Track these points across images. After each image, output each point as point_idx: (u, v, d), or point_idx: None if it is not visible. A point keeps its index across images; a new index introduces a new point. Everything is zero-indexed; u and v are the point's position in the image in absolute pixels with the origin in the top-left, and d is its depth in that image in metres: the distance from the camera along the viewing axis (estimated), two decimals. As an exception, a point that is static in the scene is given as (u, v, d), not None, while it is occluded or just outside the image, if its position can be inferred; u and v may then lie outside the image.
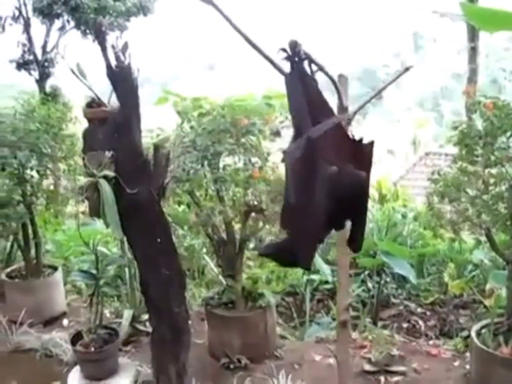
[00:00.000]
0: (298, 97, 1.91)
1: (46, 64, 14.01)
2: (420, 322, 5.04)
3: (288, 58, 1.88)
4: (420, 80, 37.88)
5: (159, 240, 2.95)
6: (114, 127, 2.86)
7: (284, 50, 1.87)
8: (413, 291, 5.56)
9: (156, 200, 2.95)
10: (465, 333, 4.40)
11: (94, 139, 2.93)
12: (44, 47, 14.02)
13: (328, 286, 5.36)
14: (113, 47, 2.76)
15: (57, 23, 13.75)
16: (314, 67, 1.95)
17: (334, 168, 1.74)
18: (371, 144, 1.92)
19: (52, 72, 14.15)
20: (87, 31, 13.70)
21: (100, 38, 2.68)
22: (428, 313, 5.24)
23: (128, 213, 2.89)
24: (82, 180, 2.85)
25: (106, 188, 2.77)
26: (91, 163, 2.87)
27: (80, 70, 2.94)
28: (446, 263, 5.62)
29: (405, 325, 5.03)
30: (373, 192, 9.90)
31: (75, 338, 3.69)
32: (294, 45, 1.84)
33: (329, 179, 1.75)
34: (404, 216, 6.76)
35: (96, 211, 2.84)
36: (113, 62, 2.77)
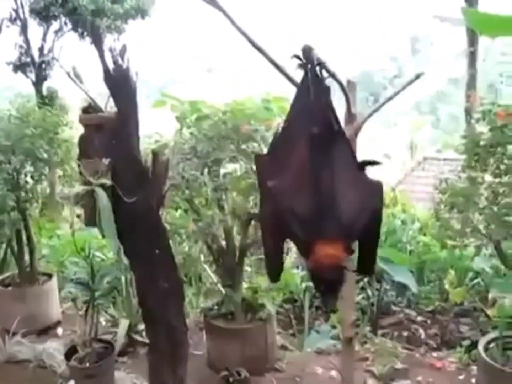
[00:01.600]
0: (301, 106, 1.81)
1: (43, 66, 13.95)
2: (421, 331, 4.98)
3: (301, 65, 1.77)
4: (416, 84, 37.89)
5: (157, 251, 2.85)
6: (111, 133, 2.76)
7: (297, 57, 1.76)
8: (413, 298, 5.49)
9: (155, 209, 2.85)
10: (466, 343, 4.34)
11: (90, 146, 2.84)
12: (41, 49, 13.96)
13: (327, 293, 5.25)
14: (110, 50, 2.66)
15: (55, 25, 13.70)
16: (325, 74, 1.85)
17: None
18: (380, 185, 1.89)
19: (49, 74, 14.10)
20: (84, 33, 13.64)
21: (97, 41, 2.58)
22: (428, 321, 5.17)
23: (125, 223, 2.79)
24: (78, 187, 2.75)
25: (102, 197, 2.68)
26: (87, 171, 2.77)
27: (76, 74, 2.84)
28: (446, 270, 5.55)
29: (405, 333, 4.96)
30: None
31: (70, 352, 3.58)
32: (308, 51, 1.74)
33: None
34: (403, 222, 6.69)
35: (92, 220, 2.75)
36: (111, 66, 2.67)
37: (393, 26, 43.48)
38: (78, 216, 4.13)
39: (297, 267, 5.59)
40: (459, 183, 3.04)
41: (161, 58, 41.50)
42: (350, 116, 2.17)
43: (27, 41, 13.78)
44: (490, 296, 4.54)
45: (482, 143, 2.94)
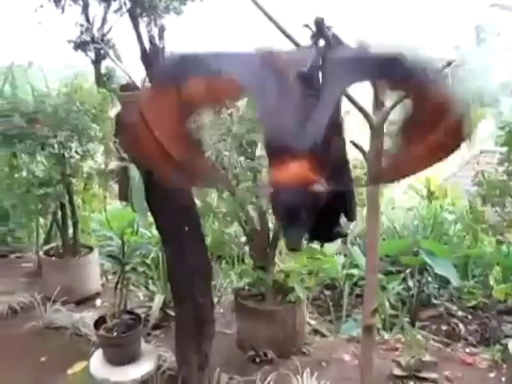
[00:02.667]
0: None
1: (102, 45, 14.21)
2: (461, 326, 4.88)
3: (313, 36, 1.72)
4: (478, 75, 36.76)
5: (186, 228, 2.90)
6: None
7: (308, 26, 1.71)
8: (455, 293, 5.38)
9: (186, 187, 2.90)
10: (505, 341, 4.23)
11: (126, 123, 2.90)
12: (101, 29, 14.22)
13: (367, 282, 5.23)
14: (148, 30, 2.71)
15: (114, 5, 13.89)
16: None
17: None
18: None
19: (108, 53, 14.34)
20: (143, 13, 13.78)
21: (135, 23, 2.63)
22: (469, 316, 5.07)
23: (157, 199, 2.85)
24: (113, 163, 2.83)
25: (135, 174, 2.74)
26: (122, 147, 2.84)
27: (116, 54, 2.90)
28: (492, 266, 5.41)
29: (444, 327, 4.89)
30: (421, 188, 9.65)
31: (99, 322, 3.71)
32: (320, 23, 1.67)
33: None
34: (452, 214, 6.56)
35: (124, 196, 2.82)
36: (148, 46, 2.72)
37: (458, 14, 42.14)
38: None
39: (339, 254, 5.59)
40: (496, 176, 2.95)
41: (216, 41, 41.60)
42: (377, 102, 2.13)
43: (88, 20, 14.06)
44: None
45: (520, 135, 2.85)
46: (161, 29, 2.75)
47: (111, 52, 2.88)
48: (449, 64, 2.05)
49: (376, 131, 2.09)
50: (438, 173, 10.27)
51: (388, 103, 2.16)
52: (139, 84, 2.96)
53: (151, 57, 2.73)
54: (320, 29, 1.68)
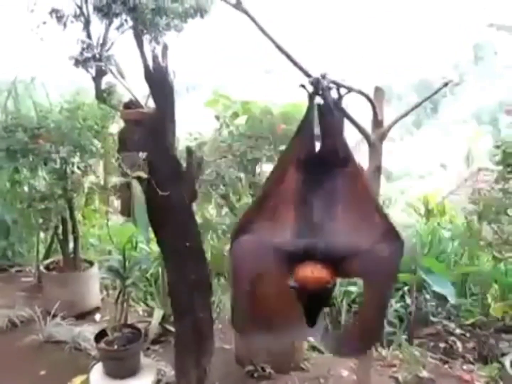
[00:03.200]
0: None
1: (103, 61, 14.33)
2: (458, 343, 4.89)
3: (312, 94, 1.87)
4: (477, 93, 36.97)
5: (187, 243, 2.95)
6: (149, 129, 2.88)
7: (303, 86, 1.87)
8: (453, 310, 5.40)
9: (187, 203, 2.95)
10: (503, 359, 4.24)
11: (129, 140, 2.96)
12: (102, 45, 14.37)
13: (365, 300, 5.25)
14: (152, 50, 2.78)
15: (116, 22, 14.07)
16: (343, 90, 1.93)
17: None
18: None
19: (109, 69, 14.45)
20: (144, 31, 13.95)
21: (139, 42, 2.70)
22: (467, 334, 5.07)
23: (159, 215, 2.91)
24: (116, 179, 2.88)
25: (137, 189, 2.79)
26: (125, 163, 2.90)
27: (119, 71, 2.97)
28: (490, 284, 5.44)
29: (442, 345, 4.89)
30: (419, 206, 9.71)
31: (100, 336, 3.75)
32: (316, 82, 1.83)
33: None
34: (449, 231, 6.58)
35: (127, 211, 2.87)
36: (151, 65, 2.79)
37: (456, 33, 42.54)
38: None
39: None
40: (492, 194, 3.01)
41: (219, 58, 41.91)
42: (376, 122, 2.21)
43: (89, 37, 14.20)
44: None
45: (514, 153, 2.91)
46: (165, 48, 2.82)
47: (114, 69, 2.93)
48: (446, 84, 2.12)
49: (375, 149, 2.16)
50: (437, 191, 10.36)
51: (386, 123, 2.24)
52: (141, 101, 3.02)
53: (154, 75, 2.80)
54: (316, 87, 1.82)
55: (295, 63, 2.03)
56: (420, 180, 30.04)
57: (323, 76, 1.85)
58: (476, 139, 27.46)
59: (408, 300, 5.17)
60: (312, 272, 1.81)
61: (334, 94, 1.91)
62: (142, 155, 2.86)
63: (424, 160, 34.28)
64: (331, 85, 1.88)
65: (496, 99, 38.05)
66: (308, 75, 2.00)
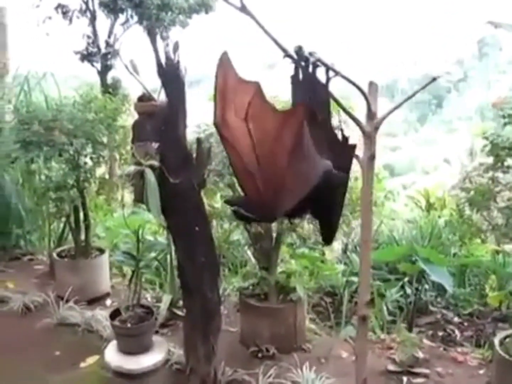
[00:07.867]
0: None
1: (108, 56, 14.48)
2: (456, 332, 5.04)
3: (295, 62, 2.07)
4: (481, 89, 36.95)
5: (197, 228, 3.14)
6: (161, 120, 3.07)
7: (288, 56, 2.06)
8: (452, 300, 5.55)
9: (197, 190, 3.14)
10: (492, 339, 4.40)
11: (143, 131, 3.14)
12: (107, 41, 14.52)
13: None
14: (165, 46, 2.96)
15: (121, 17, 14.22)
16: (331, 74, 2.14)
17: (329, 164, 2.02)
18: (354, 147, 2.25)
19: (114, 64, 14.62)
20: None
21: (152, 39, 2.88)
22: (465, 323, 5.23)
23: (170, 201, 3.08)
24: (130, 167, 3.06)
25: (150, 177, 2.97)
26: (138, 153, 3.08)
27: (133, 66, 3.15)
28: (489, 275, 5.59)
29: (440, 333, 5.04)
30: (420, 199, 9.87)
31: (114, 314, 3.95)
32: (299, 50, 2.03)
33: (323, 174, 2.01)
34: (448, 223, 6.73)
35: (140, 197, 3.05)
36: (164, 61, 2.97)
37: (461, 29, 42.46)
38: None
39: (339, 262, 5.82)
40: (482, 182, 3.17)
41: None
42: (370, 113, 2.39)
43: (94, 32, 14.34)
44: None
45: (502, 144, 3.07)
46: (176, 45, 2.99)
47: (128, 64, 3.10)
48: (434, 79, 2.30)
49: (369, 139, 2.36)
50: (439, 185, 10.51)
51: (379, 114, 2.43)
52: (154, 95, 3.20)
53: (166, 71, 2.99)
54: (299, 56, 2.04)
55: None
56: (424, 175, 30.04)
57: (310, 54, 2.07)
58: (480, 134, 27.38)
59: (408, 290, 5.32)
60: None
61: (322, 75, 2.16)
62: (155, 145, 3.05)
63: (428, 155, 34.29)
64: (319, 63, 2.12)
65: (500, 95, 37.94)
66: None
